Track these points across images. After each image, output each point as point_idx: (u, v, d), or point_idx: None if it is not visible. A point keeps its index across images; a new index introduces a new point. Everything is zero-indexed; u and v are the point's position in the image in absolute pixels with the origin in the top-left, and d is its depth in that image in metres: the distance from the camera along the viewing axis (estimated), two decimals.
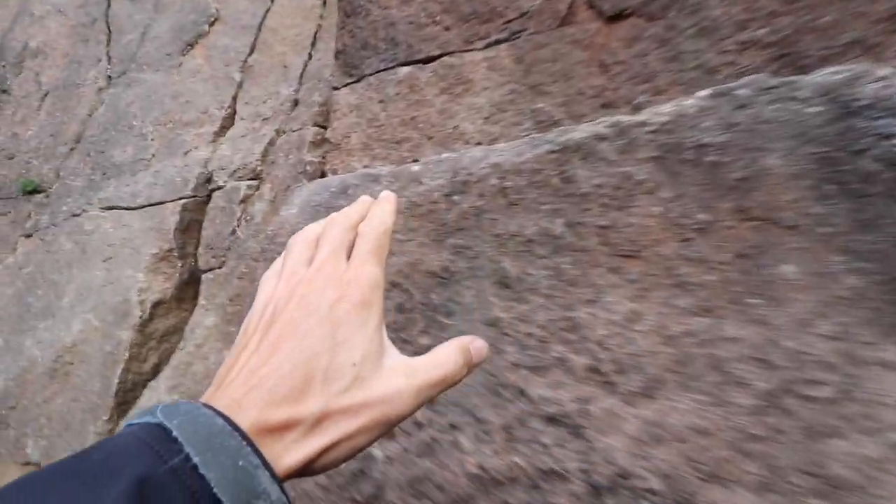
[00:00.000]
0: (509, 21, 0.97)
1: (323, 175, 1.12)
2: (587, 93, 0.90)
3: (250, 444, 0.24)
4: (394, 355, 0.30)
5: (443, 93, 1.01)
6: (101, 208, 1.41)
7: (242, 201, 1.24)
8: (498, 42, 0.98)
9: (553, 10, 0.93)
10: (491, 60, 0.98)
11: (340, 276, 0.31)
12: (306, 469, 0.26)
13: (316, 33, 1.52)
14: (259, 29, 1.61)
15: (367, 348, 0.29)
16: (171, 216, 1.27)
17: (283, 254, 0.34)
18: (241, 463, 0.24)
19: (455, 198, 0.77)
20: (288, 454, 0.26)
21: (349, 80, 1.11)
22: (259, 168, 1.29)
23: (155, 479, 0.22)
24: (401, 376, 0.29)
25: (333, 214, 0.36)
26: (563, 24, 0.93)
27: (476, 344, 0.33)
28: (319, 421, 0.26)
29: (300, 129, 1.29)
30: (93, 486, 0.21)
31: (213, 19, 1.66)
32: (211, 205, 1.29)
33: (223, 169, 1.33)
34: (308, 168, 1.18)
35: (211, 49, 1.64)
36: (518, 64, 0.96)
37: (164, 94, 1.58)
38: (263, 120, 1.40)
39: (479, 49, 1.00)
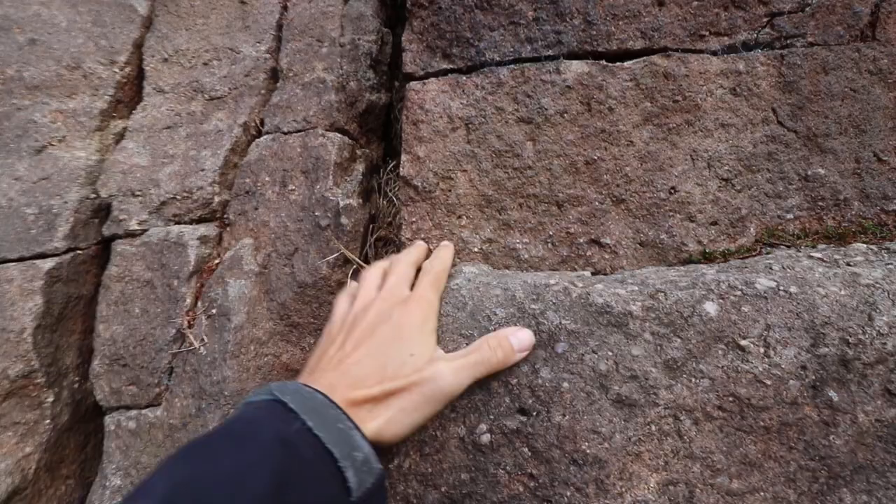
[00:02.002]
0: (776, 14, 0.57)
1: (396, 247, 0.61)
2: (890, 161, 0.56)
3: (344, 413, 0.34)
4: (443, 354, 0.40)
5: (649, 121, 0.57)
6: None
7: (195, 272, 0.64)
8: (750, 46, 0.58)
9: (848, 12, 0.56)
10: (736, 77, 0.58)
11: (406, 298, 0.42)
12: (379, 437, 0.36)
13: None
14: None
15: (422, 345, 0.39)
16: (21, 298, 0.61)
17: (358, 282, 0.48)
18: (340, 426, 0.33)
19: (831, 394, 0.39)
20: (365, 424, 0.35)
21: (448, 66, 0.60)
22: (217, 198, 0.70)
23: (287, 438, 0.31)
24: (443, 361, 0.38)
25: (399, 254, 0.50)
26: (861, 38, 0.57)
27: (519, 334, 0.41)
28: (385, 397, 0.36)
29: (304, 129, 0.72)
30: (243, 444, 0.31)
31: None
32: (114, 268, 0.66)
33: (136, 194, 0.69)
34: (343, 221, 0.64)
35: None
36: (784, 92, 0.58)
37: None
38: (210, 99, 0.78)
39: (715, 53, 0.58)
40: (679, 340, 0.40)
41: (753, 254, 0.56)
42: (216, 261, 0.67)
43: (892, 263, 0.45)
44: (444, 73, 0.60)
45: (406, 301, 0.42)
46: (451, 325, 0.44)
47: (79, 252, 0.67)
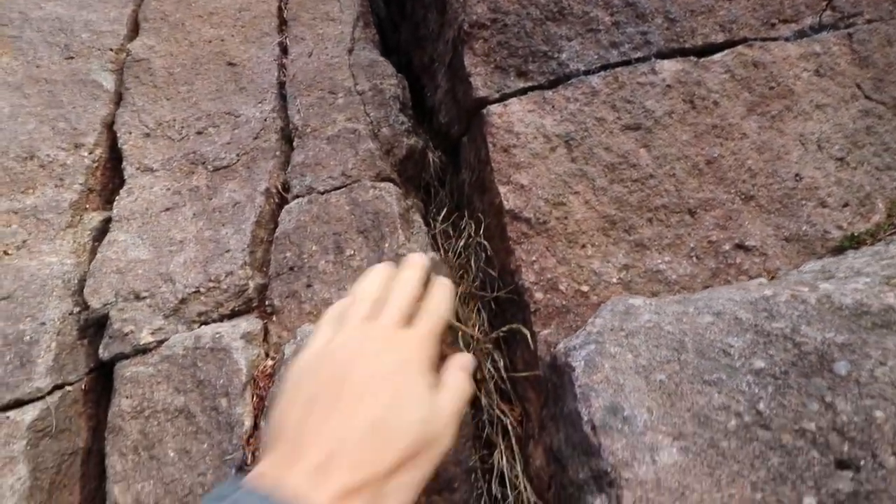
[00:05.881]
0: None
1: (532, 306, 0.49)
2: None
3: None
4: (433, 402, 0.33)
5: (752, 111, 0.53)
6: None
7: (248, 382, 0.48)
8: (816, 29, 0.57)
9: None
10: (816, 59, 0.56)
11: (403, 342, 0.34)
12: None
13: (282, 6, 0.84)
14: None
15: (422, 409, 0.32)
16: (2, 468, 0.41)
17: (348, 299, 0.37)
18: None
19: None
20: None
21: (526, 84, 0.53)
22: (251, 283, 0.55)
23: None
24: (442, 417, 0.33)
25: (401, 277, 0.39)
26: None
27: (461, 356, 0.37)
28: (391, 475, 0.30)
29: (346, 185, 0.61)
30: None
31: None
32: (125, 401, 0.48)
33: (142, 296, 0.53)
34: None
35: (28, 33, 0.77)
36: (862, 67, 0.57)
37: None
38: (216, 170, 0.65)
39: (788, 39, 0.57)
40: None
41: (892, 231, 0.52)
42: (269, 362, 0.51)
43: None
44: (523, 91, 0.53)
45: (404, 347, 0.34)
46: (684, 372, 0.34)
47: (68, 388, 0.48)
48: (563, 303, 0.47)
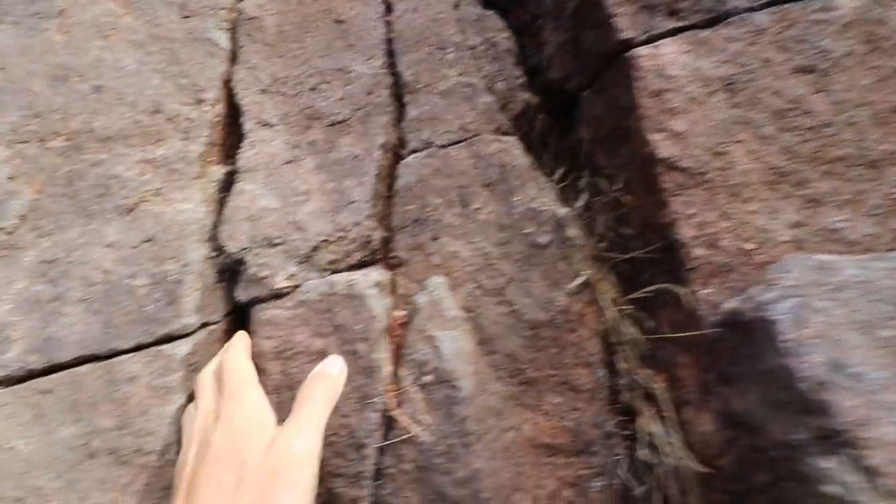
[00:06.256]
0: None
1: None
2: None
3: None
4: (278, 428, 0.38)
5: None
6: None
7: (386, 329, 0.48)
8: None
9: None
10: None
11: (231, 418, 0.38)
12: None
13: None
14: None
15: (257, 454, 0.35)
16: (154, 401, 0.42)
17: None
18: None
19: None
20: None
21: (678, 25, 0.48)
22: (375, 234, 0.54)
23: None
24: (282, 436, 0.36)
25: (213, 365, 0.44)
26: None
27: (327, 361, 0.43)
28: None
29: (465, 139, 0.59)
30: None
31: None
32: (266, 343, 0.48)
33: (275, 242, 0.53)
34: (571, 234, 0.50)
35: None
36: None
37: (30, 73, 0.67)
38: (332, 125, 0.64)
39: None
40: None
41: None
42: (401, 311, 0.50)
43: None
44: (674, 32, 0.49)
45: (231, 422, 0.37)
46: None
47: (212, 327, 0.49)
48: (726, 260, 0.43)
